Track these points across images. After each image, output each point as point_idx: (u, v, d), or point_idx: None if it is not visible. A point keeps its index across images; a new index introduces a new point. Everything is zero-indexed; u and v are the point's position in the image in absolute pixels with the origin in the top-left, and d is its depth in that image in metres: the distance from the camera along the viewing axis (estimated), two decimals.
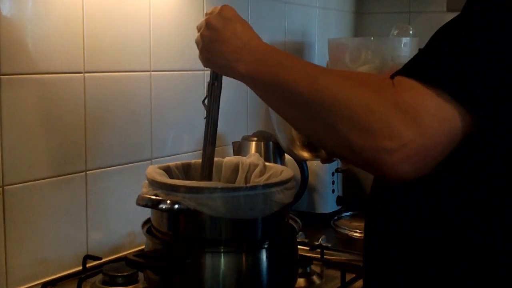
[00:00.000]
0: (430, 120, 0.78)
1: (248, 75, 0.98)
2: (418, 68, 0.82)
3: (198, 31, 1.10)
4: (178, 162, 1.35)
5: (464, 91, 0.78)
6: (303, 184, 1.75)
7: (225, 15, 1.04)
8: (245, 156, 1.39)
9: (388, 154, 0.78)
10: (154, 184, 1.19)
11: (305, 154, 1.23)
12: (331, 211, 1.95)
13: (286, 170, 1.28)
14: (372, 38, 2.38)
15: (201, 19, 1.12)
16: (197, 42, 1.11)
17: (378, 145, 0.78)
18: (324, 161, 1.23)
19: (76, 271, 1.42)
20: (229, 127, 1.92)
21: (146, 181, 1.22)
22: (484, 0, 0.85)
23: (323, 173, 1.95)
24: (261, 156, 1.39)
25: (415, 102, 0.78)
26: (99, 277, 1.37)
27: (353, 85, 0.83)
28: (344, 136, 0.81)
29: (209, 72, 1.22)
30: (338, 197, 1.99)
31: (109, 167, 1.53)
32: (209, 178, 1.23)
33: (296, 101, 0.88)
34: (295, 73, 0.89)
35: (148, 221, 1.27)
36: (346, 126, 0.81)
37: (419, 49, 0.89)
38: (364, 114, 0.80)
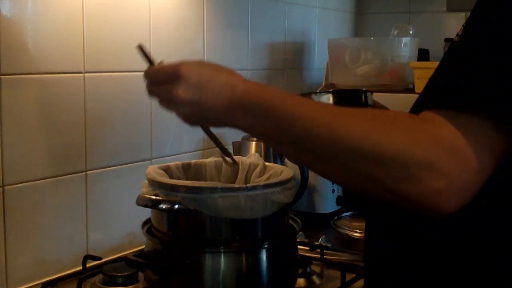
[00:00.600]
0: (472, 151, 0.75)
1: (250, 128, 0.90)
2: (447, 97, 0.78)
3: (167, 107, 0.95)
4: (178, 162, 1.35)
5: (506, 110, 0.75)
6: (303, 184, 1.74)
7: (193, 81, 0.90)
8: (245, 156, 1.39)
9: (436, 195, 0.75)
10: (154, 184, 1.19)
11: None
12: (331, 211, 1.95)
13: (286, 170, 1.28)
14: (372, 38, 2.39)
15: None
16: (181, 117, 0.94)
17: (425, 189, 0.75)
18: None
19: (76, 271, 1.42)
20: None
21: (146, 181, 1.22)
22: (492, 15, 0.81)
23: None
24: (261, 156, 1.39)
25: (455, 136, 0.75)
26: (99, 277, 1.37)
27: (382, 129, 0.77)
28: (384, 184, 0.77)
29: None
30: (338, 197, 1.99)
31: (109, 167, 1.53)
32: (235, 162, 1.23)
33: (316, 152, 0.80)
34: (307, 123, 0.80)
35: (148, 221, 1.27)
36: (384, 175, 0.76)
37: (432, 77, 0.84)
38: (403, 159, 0.75)
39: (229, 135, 1.91)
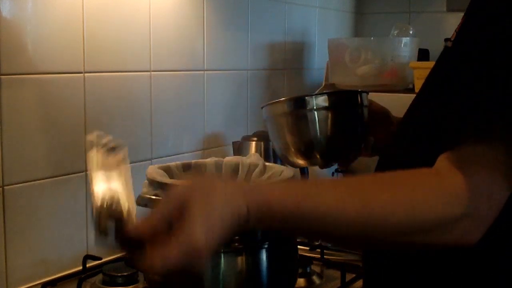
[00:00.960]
0: (494, 184, 0.76)
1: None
2: (460, 131, 0.79)
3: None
4: (178, 162, 1.35)
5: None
6: None
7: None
8: (245, 156, 1.39)
9: (469, 234, 0.78)
10: (154, 184, 1.19)
11: (300, 162, 1.24)
12: None
13: (286, 170, 1.28)
14: (372, 38, 2.38)
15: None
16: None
17: (458, 236, 0.78)
18: (321, 167, 1.23)
19: (76, 271, 1.42)
20: (229, 127, 1.92)
21: (146, 181, 1.22)
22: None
23: (323, 173, 1.95)
24: (261, 156, 1.39)
25: (476, 179, 0.76)
26: (99, 277, 1.37)
27: (411, 195, 0.77)
28: (422, 245, 0.79)
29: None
30: None
31: None
32: None
33: (347, 239, 0.80)
34: (335, 221, 0.75)
35: None
36: (424, 238, 0.78)
37: (430, 88, 0.87)
38: (438, 223, 0.76)
39: (229, 135, 1.91)
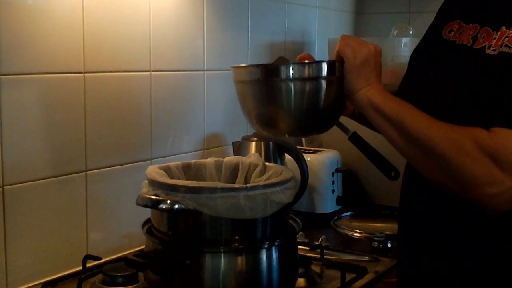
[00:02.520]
0: None
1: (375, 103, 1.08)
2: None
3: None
4: (178, 162, 1.35)
5: None
6: (303, 184, 1.74)
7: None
8: (245, 156, 1.39)
9: (489, 198, 0.96)
10: (154, 184, 1.19)
11: (267, 131, 1.19)
12: (331, 211, 1.95)
13: (286, 170, 1.28)
14: (372, 38, 2.38)
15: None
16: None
17: (480, 191, 0.96)
18: (288, 136, 1.22)
19: (76, 271, 1.42)
20: (229, 127, 1.92)
21: (146, 181, 1.22)
22: None
23: (323, 173, 1.95)
24: (261, 156, 1.39)
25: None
26: (99, 277, 1.37)
27: (459, 137, 0.98)
28: (452, 177, 0.99)
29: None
30: (338, 197, 1.99)
31: (109, 167, 1.53)
32: None
33: (414, 142, 1.02)
34: (418, 118, 1.03)
35: (148, 221, 1.27)
36: (456, 171, 0.98)
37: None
38: (470, 162, 0.96)
39: (229, 135, 1.91)
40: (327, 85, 1.12)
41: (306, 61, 1.18)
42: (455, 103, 1.04)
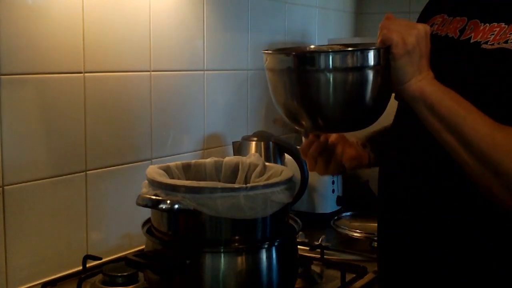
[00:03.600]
0: None
1: (428, 99, 0.95)
2: None
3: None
4: (178, 162, 1.35)
5: None
6: (303, 184, 1.75)
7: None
8: (245, 156, 1.39)
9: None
10: (154, 184, 1.19)
11: (294, 125, 1.03)
12: (331, 211, 1.95)
13: (286, 170, 1.28)
14: (372, 38, 2.38)
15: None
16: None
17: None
18: (323, 132, 1.15)
19: (76, 271, 1.42)
20: (229, 127, 1.93)
21: (146, 181, 1.22)
22: None
23: (321, 176, 1.95)
24: (261, 156, 1.39)
25: None
26: (99, 277, 1.37)
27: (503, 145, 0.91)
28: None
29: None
30: (338, 197, 1.99)
31: (109, 167, 1.53)
32: None
33: (471, 148, 0.93)
34: (478, 121, 0.93)
35: (148, 221, 1.27)
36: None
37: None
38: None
39: (229, 135, 1.91)
40: (373, 75, 0.96)
41: (349, 49, 1.00)
42: None
